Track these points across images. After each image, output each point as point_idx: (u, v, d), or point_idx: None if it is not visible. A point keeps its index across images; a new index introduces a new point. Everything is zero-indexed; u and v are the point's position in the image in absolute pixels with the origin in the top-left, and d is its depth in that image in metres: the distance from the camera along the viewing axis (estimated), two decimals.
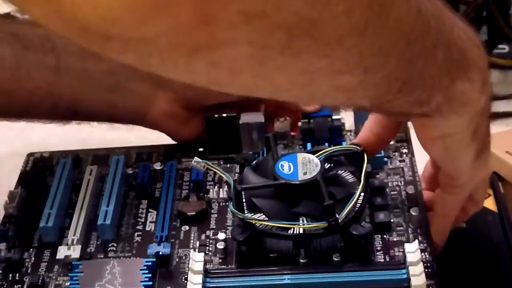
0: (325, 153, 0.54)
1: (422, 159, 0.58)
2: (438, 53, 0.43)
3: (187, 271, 0.50)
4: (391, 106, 0.45)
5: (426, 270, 0.49)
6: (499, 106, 0.76)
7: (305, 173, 0.52)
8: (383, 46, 0.39)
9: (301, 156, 0.53)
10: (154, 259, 0.52)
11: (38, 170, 0.63)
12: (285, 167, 0.52)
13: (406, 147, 0.61)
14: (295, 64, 0.38)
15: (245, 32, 0.34)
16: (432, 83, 0.44)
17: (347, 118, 0.63)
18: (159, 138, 0.66)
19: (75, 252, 0.53)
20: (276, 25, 0.34)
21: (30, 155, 0.64)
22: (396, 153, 0.60)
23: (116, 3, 0.32)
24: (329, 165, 0.55)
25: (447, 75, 0.45)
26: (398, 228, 0.53)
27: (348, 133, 0.64)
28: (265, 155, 0.57)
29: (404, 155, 0.60)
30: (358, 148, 0.54)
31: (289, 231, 0.50)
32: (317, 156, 0.53)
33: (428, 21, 0.42)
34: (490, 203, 0.61)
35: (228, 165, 0.62)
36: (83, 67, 0.60)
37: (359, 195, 0.51)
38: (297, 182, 0.51)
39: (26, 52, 0.59)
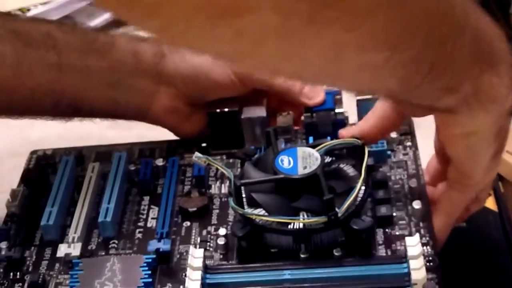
0: (326, 147, 0.53)
1: (425, 152, 0.58)
2: (466, 39, 0.43)
3: (188, 266, 0.50)
4: (419, 93, 0.44)
5: (428, 264, 0.49)
6: None
7: (305, 167, 0.51)
8: (410, 23, 0.39)
9: (301, 150, 0.53)
10: (154, 256, 0.52)
11: (41, 168, 0.63)
12: (285, 161, 0.52)
13: (410, 140, 0.60)
14: (322, 36, 0.37)
15: None
16: (462, 70, 0.44)
17: (350, 111, 0.63)
18: (160, 134, 0.65)
19: (75, 250, 0.53)
20: None
21: (33, 152, 0.64)
22: (400, 146, 0.60)
23: None
24: (330, 158, 0.54)
25: (476, 64, 0.45)
26: (400, 222, 0.53)
27: (352, 127, 0.63)
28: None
29: (408, 148, 0.59)
30: (359, 141, 0.54)
31: (289, 226, 0.50)
32: (317, 150, 0.53)
33: (453, 6, 0.42)
34: (490, 203, 0.60)
35: (231, 160, 0.62)
36: (84, 64, 0.60)
37: (360, 189, 0.50)
38: (297, 177, 0.51)
39: (27, 49, 0.59)
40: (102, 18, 1.00)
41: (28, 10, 1.00)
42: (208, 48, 0.39)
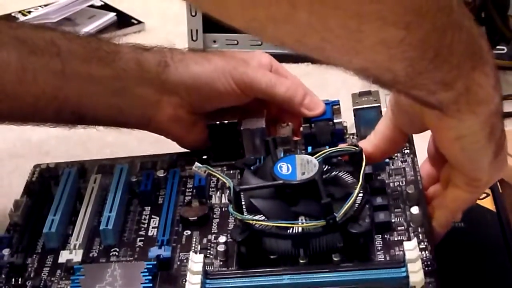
0: (324, 154, 0.54)
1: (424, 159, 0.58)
2: (462, 34, 0.45)
3: (188, 270, 0.50)
4: (419, 82, 0.46)
5: (426, 268, 0.49)
6: None
7: (303, 174, 0.52)
8: (421, 5, 0.41)
9: (300, 158, 0.53)
10: (155, 262, 0.52)
11: (44, 181, 0.63)
12: (283, 168, 0.53)
13: (408, 148, 0.61)
14: (349, 5, 0.39)
15: None
16: (458, 63, 0.46)
17: (348, 121, 0.63)
18: (160, 138, 0.66)
19: (77, 256, 0.54)
20: None
21: (36, 166, 0.65)
22: (398, 154, 0.60)
23: None
24: (328, 167, 0.55)
25: (469, 61, 0.46)
26: (399, 228, 0.53)
27: (350, 137, 0.63)
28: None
29: (406, 156, 0.60)
30: (357, 148, 0.54)
31: (288, 231, 0.50)
32: (315, 158, 0.53)
33: (452, 2, 0.44)
34: (488, 203, 0.61)
35: (232, 171, 0.62)
36: (88, 72, 0.61)
37: (358, 194, 0.51)
38: (296, 182, 0.51)
39: (31, 57, 0.59)
40: (102, 21, 1.01)
41: (29, 12, 1.01)
42: (242, 14, 0.40)
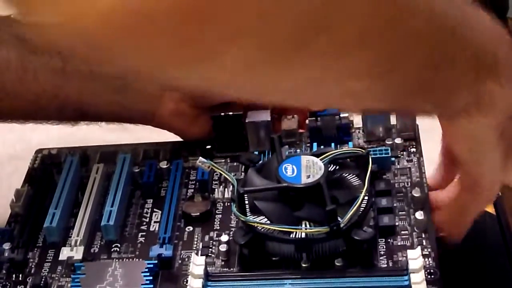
0: (330, 156, 0.53)
1: (430, 160, 0.58)
2: (464, 56, 0.43)
3: (189, 273, 0.50)
4: (411, 104, 0.45)
5: (429, 276, 0.49)
6: None
7: (308, 176, 0.51)
8: (399, 50, 0.39)
9: (305, 159, 0.53)
10: (156, 261, 0.52)
11: (45, 167, 0.63)
12: (288, 169, 0.52)
13: (414, 146, 0.60)
14: (299, 73, 0.37)
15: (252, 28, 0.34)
16: (454, 86, 0.44)
17: (355, 116, 0.62)
18: (161, 137, 0.65)
19: (78, 253, 0.54)
20: (286, 21, 0.34)
21: (38, 151, 0.64)
22: (404, 153, 0.60)
23: (118, 7, 0.32)
24: (334, 167, 0.54)
25: (474, 73, 0.45)
26: (403, 232, 0.53)
27: (356, 131, 0.63)
28: (270, 155, 0.57)
29: (412, 155, 0.59)
30: (363, 150, 0.54)
31: (291, 235, 0.50)
32: (321, 159, 0.53)
33: (454, 27, 0.42)
34: (488, 206, 0.60)
35: (235, 164, 0.62)
36: (89, 69, 0.60)
37: (362, 200, 0.50)
38: (300, 186, 0.51)
39: (32, 55, 0.59)
40: None
41: None
42: (186, 83, 0.39)
